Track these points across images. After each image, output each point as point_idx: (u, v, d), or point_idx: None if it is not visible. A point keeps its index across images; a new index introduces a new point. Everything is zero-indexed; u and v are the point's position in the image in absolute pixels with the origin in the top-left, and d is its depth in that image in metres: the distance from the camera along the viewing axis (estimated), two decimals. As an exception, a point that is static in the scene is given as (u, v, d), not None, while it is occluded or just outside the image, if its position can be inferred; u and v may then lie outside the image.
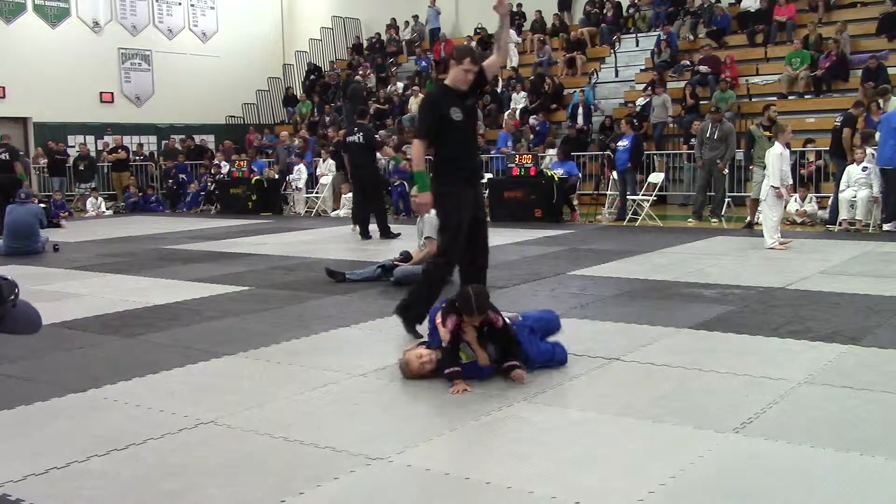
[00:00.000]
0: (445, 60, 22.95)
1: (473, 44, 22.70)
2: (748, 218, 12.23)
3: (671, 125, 17.26)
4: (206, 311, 6.94)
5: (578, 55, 20.34)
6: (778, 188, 9.84)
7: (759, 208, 11.09)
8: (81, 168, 19.72)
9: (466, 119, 5.61)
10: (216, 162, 19.35)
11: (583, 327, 5.92)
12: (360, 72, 23.36)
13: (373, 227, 12.28)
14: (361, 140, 12.17)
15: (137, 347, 5.73)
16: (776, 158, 9.84)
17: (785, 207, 11.47)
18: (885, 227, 11.56)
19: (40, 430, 4.06)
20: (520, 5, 22.65)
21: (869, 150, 12.03)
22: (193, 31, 24.27)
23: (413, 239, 9.30)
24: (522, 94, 19.55)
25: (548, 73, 19.94)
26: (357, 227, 12.48)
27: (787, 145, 10.35)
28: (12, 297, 2.07)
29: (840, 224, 11.90)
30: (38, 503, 3.21)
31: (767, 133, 11.79)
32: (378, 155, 13.17)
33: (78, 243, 12.40)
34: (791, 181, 10.58)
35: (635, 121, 15.72)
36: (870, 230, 11.67)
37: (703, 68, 17.73)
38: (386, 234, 12.00)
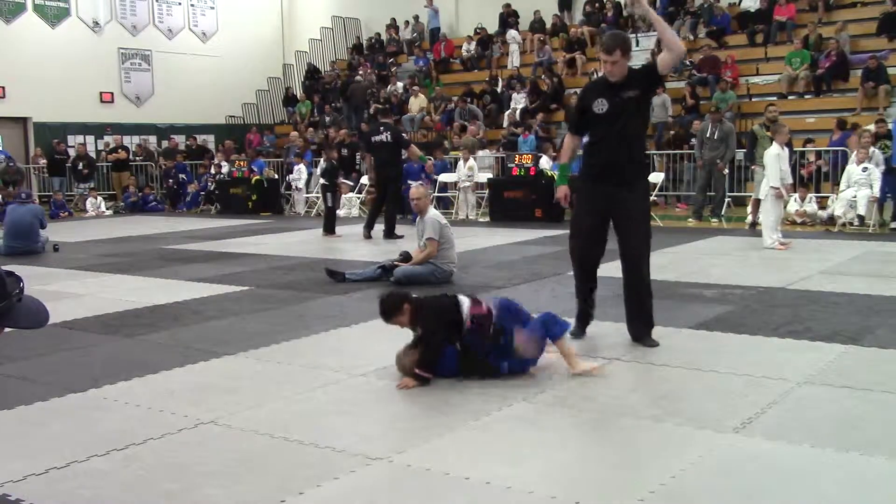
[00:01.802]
0: (445, 60, 23.03)
1: (473, 44, 22.76)
2: (749, 218, 12.24)
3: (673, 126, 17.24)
4: (206, 311, 6.94)
5: (578, 55, 20.33)
6: (777, 188, 9.84)
7: (760, 208, 11.08)
8: (80, 168, 19.71)
9: (613, 111, 5.22)
10: (216, 161, 19.35)
11: (583, 327, 5.91)
12: (361, 71, 23.36)
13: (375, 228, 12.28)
14: (389, 139, 12.16)
15: (137, 347, 5.73)
16: (773, 159, 9.87)
17: (785, 207, 11.48)
18: (894, 225, 11.59)
19: (40, 430, 4.06)
20: (508, 5, 22.58)
21: (872, 150, 12.04)
22: (193, 31, 24.26)
23: (415, 240, 9.30)
24: (522, 93, 19.54)
25: (554, 72, 19.90)
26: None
27: (788, 144, 10.37)
28: (17, 292, 2.08)
29: (845, 224, 11.92)
30: (38, 503, 3.21)
31: (769, 133, 11.81)
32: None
33: (78, 243, 12.39)
34: (791, 180, 10.58)
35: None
36: (869, 230, 11.67)
37: (698, 74, 17.69)
38: (391, 234, 11.99)
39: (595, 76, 19.78)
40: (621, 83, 5.26)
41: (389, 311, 4.82)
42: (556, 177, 5.49)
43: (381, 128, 12.41)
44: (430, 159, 14.59)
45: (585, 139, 5.66)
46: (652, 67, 5.51)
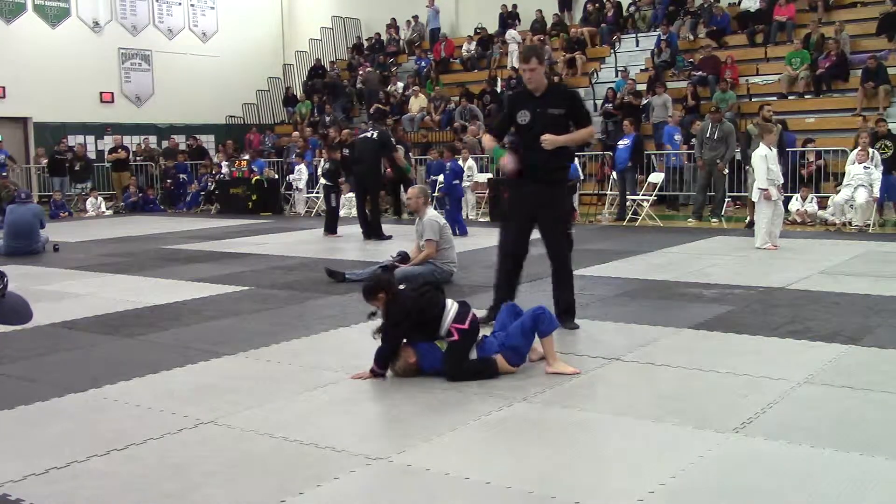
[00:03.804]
0: (445, 60, 23.03)
1: (473, 44, 22.75)
2: (748, 217, 12.25)
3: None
4: (206, 311, 6.94)
5: (578, 55, 20.33)
6: (765, 189, 9.83)
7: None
8: (77, 169, 19.70)
9: (535, 123, 5.66)
10: (217, 161, 19.35)
11: (583, 327, 5.92)
12: (361, 71, 23.35)
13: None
14: (375, 137, 12.20)
15: (137, 347, 5.74)
16: (760, 160, 9.86)
17: (786, 207, 11.48)
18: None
19: (40, 430, 4.06)
20: (514, 6, 22.57)
21: (871, 150, 12.04)
22: (193, 31, 24.26)
23: (408, 240, 9.31)
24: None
25: (555, 72, 19.90)
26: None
27: (781, 144, 10.35)
28: (1, 288, 2.07)
29: (838, 225, 11.93)
30: (38, 503, 3.22)
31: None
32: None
33: (78, 243, 12.39)
34: (782, 180, 10.56)
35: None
36: (869, 230, 11.67)
37: (698, 73, 17.70)
38: (378, 234, 12.00)
39: (595, 76, 19.90)
40: (544, 95, 5.74)
41: (367, 293, 4.89)
42: (494, 156, 6.12)
43: (371, 127, 12.47)
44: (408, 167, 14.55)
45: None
46: (577, 102, 5.99)
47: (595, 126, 17.79)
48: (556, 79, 19.33)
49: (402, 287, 5.07)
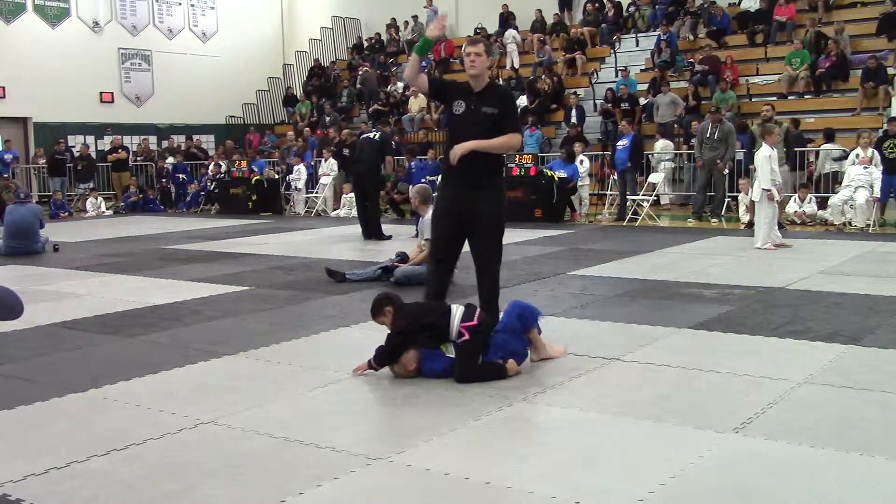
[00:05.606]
0: (445, 60, 23.04)
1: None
2: (746, 217, 12.25)
3: (675, 126, 17.25)
4: (206, 311, 6.94)
5: (578, 55, 20.34)
6: (769, 190, 9.82)
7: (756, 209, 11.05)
8: (80, 168, 19.71)
9: (467, 117, 5.22)
10: (217, 161, 19.35)
11: (583, 327, 5.92)
12: (360, 71, 23.36)
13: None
14: (377, 138, 12.24)
15: (137, 347, 5.73)
16: (764, 160, 9.82)
17: (785, 207, 11.47)
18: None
19: (40, 430, 4.06)
20: (505, 6, 22.55)
21: (871, 151, 12.03)
22: (193, 31, 24.27)
23: (404, 241, 9.30)
24: (522, 96, 19.50)
25: (554, 72, 19.90)
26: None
27: (788, 144, 10.34)
28: None
29: (838, 225, 11.93)
30: (38, 503, 3.21)
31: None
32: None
33: (78, 243, 12.39)
34: (780, 180, 10.56)
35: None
36: (870, 230, 11.67)
37: (700, 67, 17.73)
38: (378, 234, 12.00)
39: (595, 76, 19.89)
40: (482, 92, 5.24)
41: (373, 310, 4.95)
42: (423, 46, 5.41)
43: (374, 128, 12.50)
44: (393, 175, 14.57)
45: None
46: (509, 105, 5.41)
47: (594, 126, 18.10)
48: (555, 79, 19.42)
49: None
